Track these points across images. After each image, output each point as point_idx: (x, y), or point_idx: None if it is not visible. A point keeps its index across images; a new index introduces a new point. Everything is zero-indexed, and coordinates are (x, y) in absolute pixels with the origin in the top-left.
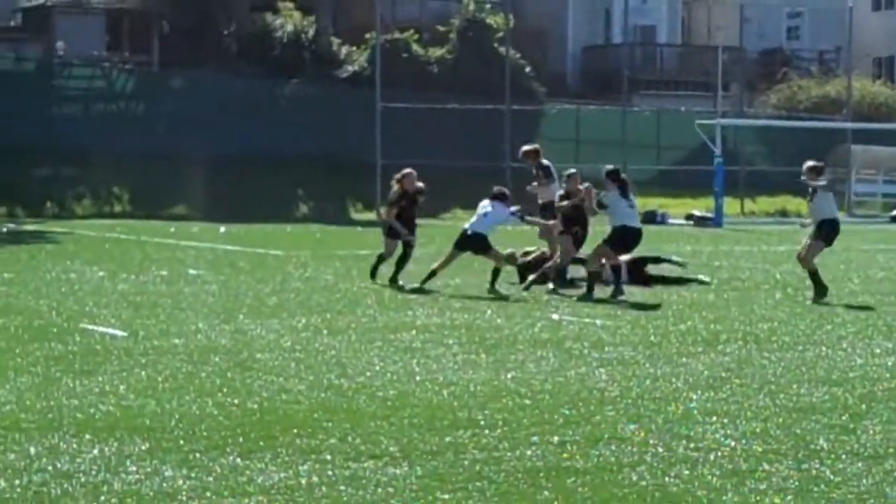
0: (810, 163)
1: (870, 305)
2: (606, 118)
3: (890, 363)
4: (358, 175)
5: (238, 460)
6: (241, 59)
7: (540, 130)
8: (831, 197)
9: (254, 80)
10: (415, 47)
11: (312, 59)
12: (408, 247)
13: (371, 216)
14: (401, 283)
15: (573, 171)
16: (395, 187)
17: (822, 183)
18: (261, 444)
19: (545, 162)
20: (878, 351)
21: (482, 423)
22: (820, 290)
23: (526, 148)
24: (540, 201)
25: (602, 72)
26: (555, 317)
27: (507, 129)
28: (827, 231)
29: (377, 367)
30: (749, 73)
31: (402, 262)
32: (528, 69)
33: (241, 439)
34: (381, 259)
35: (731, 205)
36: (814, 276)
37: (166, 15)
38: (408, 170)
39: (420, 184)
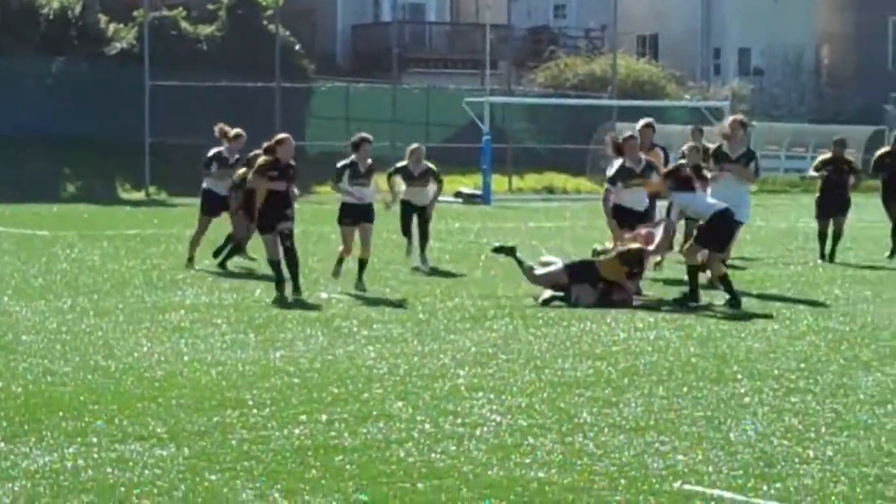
0: None
1: None
2: (376, 96)
3: (652, 337)
4: (127, 154)
5: (2, 444)
6: (5, 36)
7: (310, 108)
8: None
9: (18, 58)
10: (184, 25)
11: (79, 37)
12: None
13: (140, 195)
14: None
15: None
16: (262, 159)
17: None
18: (25, 427)
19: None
20: (640, 325)
21: (250, 402)
22: None
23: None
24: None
25: (371, 50)
26: (324, 295)
27: (277, 107)
28: None
29: (145, 348)
30: (517, 52)
31: (234, 243)
32: (297, 47)
33: (4, 423)
34: (234, 247)
35: (499, 182)
36: None
37: None
38: (285, 135)
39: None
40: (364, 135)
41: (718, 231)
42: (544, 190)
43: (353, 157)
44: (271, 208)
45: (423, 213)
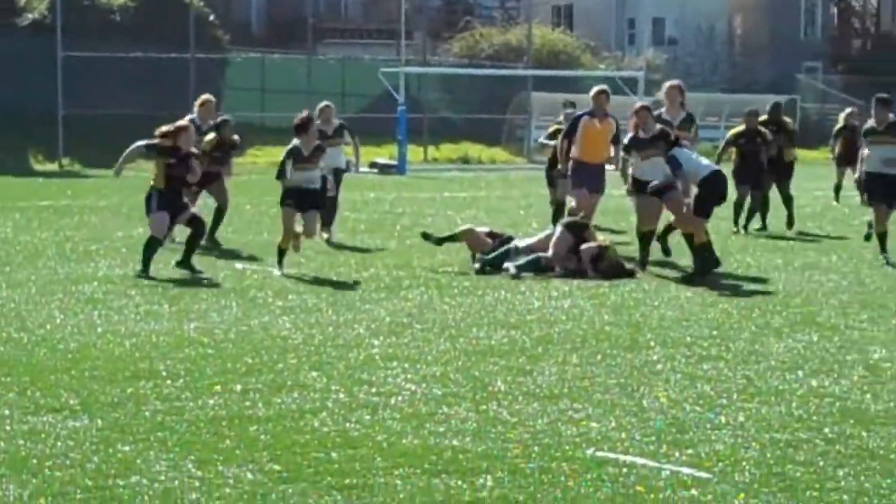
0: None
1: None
2: (291, 67)
3: (566, 305)
4: (40, 125)
5: None
6: None
7: (225, 79)
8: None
9: None
10: None
11: None
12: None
13: (53, 167)
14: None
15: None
16: (160, 142)
17: None
18: None
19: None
20: (554, 294)
21: (164, 373)
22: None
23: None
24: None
25: (287, 20)
26: (238, 266)
27: (191, 78)
28: None
29: (58, 320)
30: (432, 22)
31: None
32: (212, 17)
33: None
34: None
35: (414, 152)
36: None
37: None
38: (184, 122)
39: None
40: (307, 115)
41: (714, 194)
42: (459, 160)
43: (295, 141)
44: (172, 192)
45: (337, 176)
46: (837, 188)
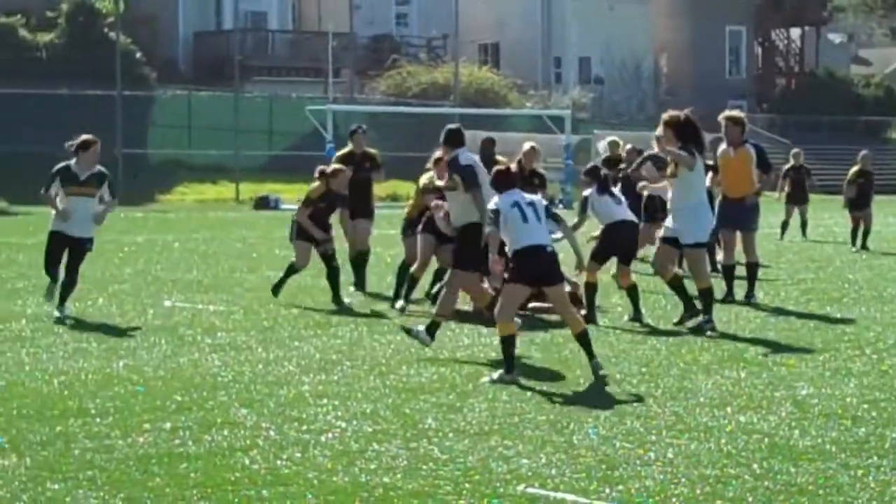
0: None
1: None
2: (219, 104)
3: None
4: None
5: None
6: None
7: (152, 117)
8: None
9: None
10: (22, 32)
11: None
12: (326, 257)
13: None
14: (346, 300)
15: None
16: (317, 184)
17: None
18: None
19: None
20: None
21: (93, 411)
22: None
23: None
24: None
25: (214, 57)
26: (167, 303)
27: (118, 116)
28: None
29: None
30: (359, 60)
31: (332, 279)
32: (139, 55)
33: None
34: (291, 270)
35: None
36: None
37: None
38: (338, 165)
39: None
40: (89, 137)
41: (611, 243)
42: (388, 198)
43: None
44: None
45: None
46: (784, 225)
